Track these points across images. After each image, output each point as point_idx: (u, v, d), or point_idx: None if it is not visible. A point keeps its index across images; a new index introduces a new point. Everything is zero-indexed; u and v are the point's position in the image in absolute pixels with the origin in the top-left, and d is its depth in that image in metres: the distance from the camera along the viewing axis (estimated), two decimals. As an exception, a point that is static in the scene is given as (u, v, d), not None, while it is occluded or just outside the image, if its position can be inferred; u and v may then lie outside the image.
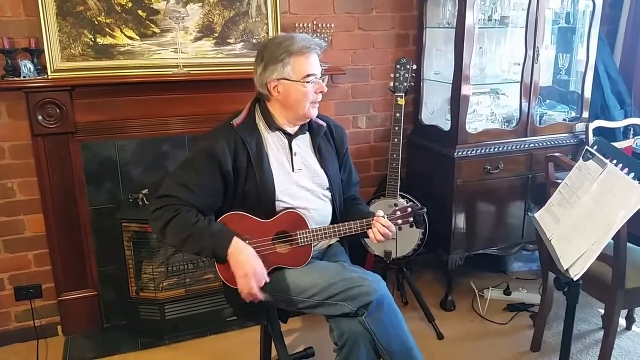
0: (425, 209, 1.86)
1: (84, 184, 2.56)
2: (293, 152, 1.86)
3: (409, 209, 1.84)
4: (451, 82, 2.79)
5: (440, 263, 2.99)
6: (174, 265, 2.75)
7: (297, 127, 1.88)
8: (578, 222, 1.62)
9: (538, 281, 3.00)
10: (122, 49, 2.49)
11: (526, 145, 2.94)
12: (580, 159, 1.75)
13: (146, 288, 2.67)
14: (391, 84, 2.71)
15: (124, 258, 2.59)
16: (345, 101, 3.08)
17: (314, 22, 2.76)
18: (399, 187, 2.73)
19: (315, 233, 1.81)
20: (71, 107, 2.44)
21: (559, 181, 1.91)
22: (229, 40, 2.67)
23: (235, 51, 2.68)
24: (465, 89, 2.74)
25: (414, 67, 2.70)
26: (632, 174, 1.49)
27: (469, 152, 2.79)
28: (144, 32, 2.51)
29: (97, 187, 2.59)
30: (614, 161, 1.59)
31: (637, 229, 2.09)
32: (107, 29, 2.45)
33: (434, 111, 3.12)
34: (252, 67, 1.83)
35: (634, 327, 2.75)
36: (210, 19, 2.61)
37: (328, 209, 1.92)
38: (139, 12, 2.48)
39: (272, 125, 1.84)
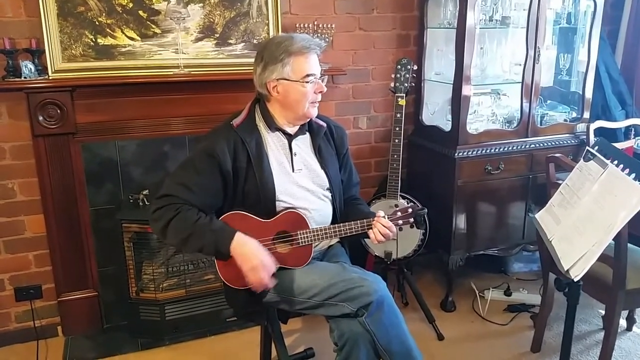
0: (426, 210, 1.86)
1: (84, 185, 2.57)
2: (293, 153, 1.86)
3: (410, 210, 1.83)
4: (452, 82, 2.79)
5: (441, 264, 2.99)
6: (174, 266, 2.75)
7: (297, 128, 1.88)
8: (579, 223, 1.61)
9: (539, 282, 3.01)
10: (123, 49, 2.49)
11: (527, 146, 2.93)
12: (581, 160, 1.75)
13: (146, 289, 2.67)
14: (392, 84, 2.71)
15: (124, 259, 2.59)
16: (346, 102, 3.07)
17: (315, 23, 2.77)
18: (399, 188, 2.73)
19: (315, 233, 1.81)
20: (72, 108, 2.44)
21: (560, 182, 1.91)
22: (230, 41, 2.67)
23: (236, 52, 2.68)
24: (466, 90, 2.74)
25: (415, 67, 2.70)
26: (633, 175, 1.49)
27: (469, 153, 2.78)
28: (144, 33, 2.51)
29: (97, 187, 2.59)
30: (615, 162, 1.58)
31: (638, 230, 2.08)
32: (108, 30, 2.45)
33: (435, 112, 3.12)
34: (253, 67, 1.82)
35: (634, 328, 2.75)
36: (211, 20, 2.61)
37: (328, 210, 1.92)
38: (140, 12, 2.48)
39: (272, 126, 1.84)
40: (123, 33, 2.47)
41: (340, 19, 2.91)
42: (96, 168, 2.57)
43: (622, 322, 2.73)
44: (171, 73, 2.54)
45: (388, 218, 1.80)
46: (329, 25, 2.77)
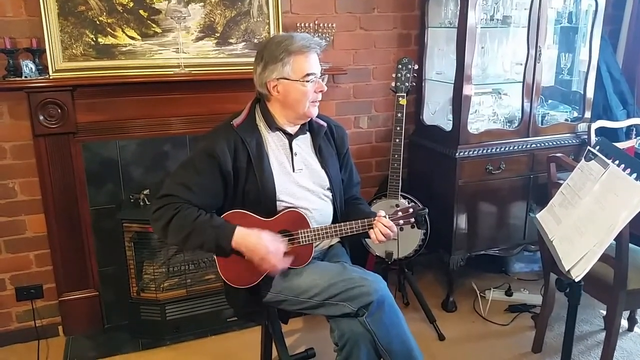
0: (427, 210, 1.85)
1: (85, 184, 2.57)
2: (293, 152, 1.86)
3: (411, 210, 1.83)
4: (453, 82, 2.78)
5: (442, 264, 2.99)
6: (175, 265, 2.75)
7: (297, 127, 1.88)
8: (580, 223, 1.61)
9: (540, 282, 3.00)
10: (124, 49, 2.49)
11: (528, 146, 2.93)
12: (583, 160, 1.74)
13: (147, 288, 2.67)
14: (393, 84, 2.70)
15: (125, 258, 2.59)
16: (347, 101, 3.07)
17: (316, 22, 2.76)
18: (400, 188, 2.73)
19: (316, 232, 1.80)
20: (72, 107, 2.44)
21: (561, 182, 1.90)
22: (231, 40, 2.66)
23: (236, 51, 2.68)
24: (467, 89, 2.73)
25: (416, 67, 2.69)
26: (635, 175, 1.49)
27: (470, 153, 2.78)
28: (145, 32, 2.51)
29: (98, 187, 2.59)
30: (616, 162, 1.58)
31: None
32: (108, 29, 2.45)
33: (436, 111, 3.12)
34: (253, 67, 1.82)
35: (636, 329, 2.74)
36: (212, 19, 2.61)
37: (329, 209, 1.92)
38: (141, 12, 2.48)
39: (273, 125, 1.84)
40: (124, 32, 2.47)
41: (341, 18, 2.90)
42: (97, 168, 2.57)
43: (624, 323, 2.72)
44: (172, 72, 2.54)
45: (389, 218, 1.80)
46: (329, 25, 2.77)
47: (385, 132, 3.18)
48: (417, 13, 3.08)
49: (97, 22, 2.42)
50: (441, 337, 2.68)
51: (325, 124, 1.95)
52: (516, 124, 2.95)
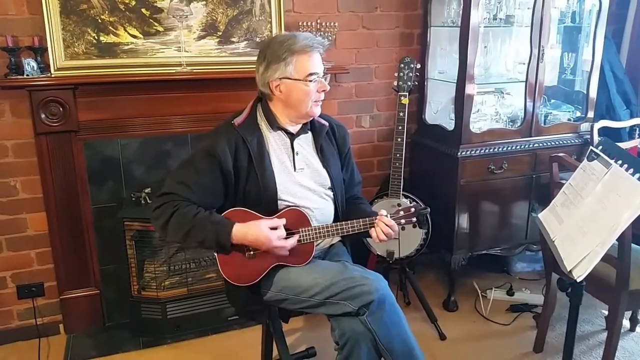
0: (429, 209, 1.85)
1: (86, 183, 2.57)
2: (295, 152, 1.85)
3: (412, 209, 1.83)
4: (455, 81, 2.78)
5: (443, 263, 2.98)
6: (176, 264, 2.75)
7: (299, 127, 1.87)
8: (582, 223, 1.60)
9: (541, 282, 3.00)
10: (126, 47, 2.49)
11: (530, 145, 2.92)
12: (585, 160, 1.74)
13: (148, 287, 2.67)
14: (395, 83, 2.70)
15: (126, 257, 2.59)
16: (349, 100, 3.07)
17: (318, 21, 2.76)
18: (402, 187, 2.72)
19: (317, 231, 1.80)
20: (74, 106, 2.44)
21: (563, 181, 1.90)
22: (233, 39, 2.66)
23: (238, 50, 2.68)
24: (470, 89, 2.73)
25: (418, 66, 2.69)
26: (637, 175, 1.48)
27: (472, 152, 2.77)
28: (147, 31, 2.51)
29: (99, 185, 2.59)
30: (619, 162, 1.57)
31: (642, 230, 2.07)
32: (110, 28, 2.45)
33: (438, 111, 3.11)
34: (255, 66, 1.82)
35: (637, 329, 2.73)
36: (214, 18, 2.60)
37: (330, 209, 1.92)
38: (143, 10, 2.48)
39: (274, 125, 1.83)
40: (126, 31, 2.47)
41: (344, 17, 2.90)
42: (98, 166, 2.57)
43: (626, 323, 2.71)
44: (174, 71, 2.53)
45: (390, 217, 1.80)
46: (332, 24, 2.76)
47: (387, 131, 3.18)
48: (420, 12, 3.07)
49: (99, 21, 2.42)
50: (442, 337, 2.68)
51: (327, 124, 1.95)
52: (519, 124, 2.94)
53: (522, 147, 2.90)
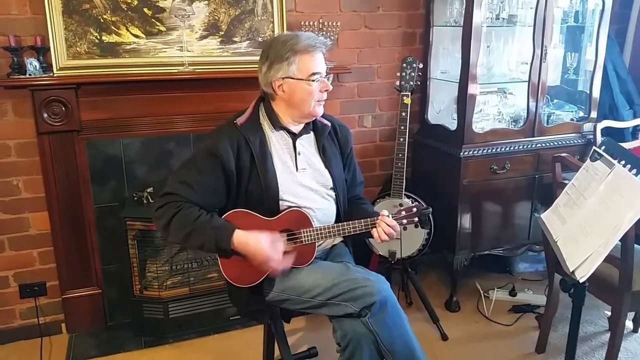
0: (431, 209, 1.84)
1: (88, 182, 2.57)
2: (297, 152, 1.85)
3: (414, 209, 1.82)
4: (458, 81, 2.77)
5: (446, 263, 2.97)
6: (178, 263, 2.75)
7: (301, 127, 1.87)
8: (585, 224, 1.60)
9: (544, 282, 2.98)
10: (128, 47, 2.49)
11: (533, 145, 2.91)
12: (588, 160, 1.73)
13: (150, 286, 2.67)
14: (397, 82, 2.69)
15: (128, 256, 2.59)
16: (351, 100, 3.06)
17: (320, 21, 2.75)
18: (404, 187, 2.72)
19: (319, 232, 1.80)
20: (76, 105, 2.44)
21: (566, 182, 1.89)
22: (235, 39, 2.66)
23: (240, 49, 2.68)
24: (472, 88, 2.72)
25: (421, 65, 2.68)
26: (641, 175, 1.48)
27: (475, 152, 2.77)
28: (149, 30, 2.51)
29: (102, 185, 2.59)
30: (622, 162, 1.57)
31: (645, 231, 2.06)
32: (112, 27, 2.45)
33: (440, 110, 3.10)
34: (258, 66, 1.82)
35: (641, 330, 2.73)
36: (216, 17, 2.60)
37: (332, 209, 1.91)
38: (145, 10, 2.48)
39: (277, 125, 1.83)
40: (128, 30, 2.47)
41: (346, 16, 2.89)
42: (100, 165, 2.57)
43: (629, 324, 2.70)
44: (176, 71, 2.53)
45: (392, 217, 1.79)
46: (334, 23, 2.76)
47: (389, 131, 3.17)
48: (422, 12, 3.07)
49: (102, 20, 2.42)
50: (444, 337, 2.68)
51: (329, 124, 1.94)
52: (521, 124, 2.93)
53: (525, 147, 2.89)
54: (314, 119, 1.87)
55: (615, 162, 1.58)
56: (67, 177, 2.51)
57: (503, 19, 2.89)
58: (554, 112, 3.14)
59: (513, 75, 3.00)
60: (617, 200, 1.52)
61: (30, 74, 2.30)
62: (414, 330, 1.78)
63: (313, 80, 1.76)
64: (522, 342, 2.65)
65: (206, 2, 2.56)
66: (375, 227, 1.79)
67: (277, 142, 1.84)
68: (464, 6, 2.69)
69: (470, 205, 2.83)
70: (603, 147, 1.69)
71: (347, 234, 1.82)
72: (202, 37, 2.60)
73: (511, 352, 2.58)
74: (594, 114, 3.09)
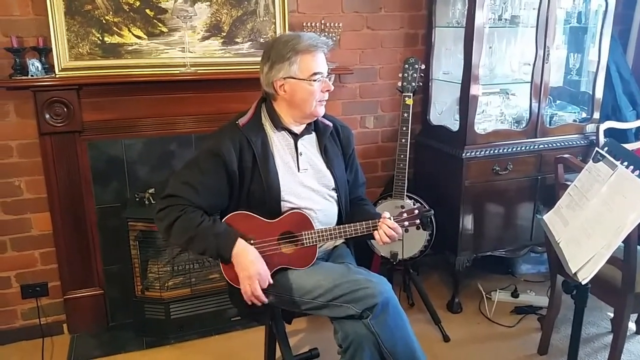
0: (432, 211, 1.84)
1: (90, 183, 2.57)
2: (299, 152, 1.85)
3: (416, 211, 1.82)
4: (460, 82, 2.77)
5: (448, 265, 2.97)
6: (179, 264, 2.75)
7: (303, 127, 1.87)
8: (587, 225, 1.59)
9: (546, 284, 2.97)
10: (130, 48, 2.49)
11: (536, 147, 2.90)
12: (591, 161, 1.73)
13: (152, 287, 2.67)
14: (399, 83, 2.69)
15: (129, 257, 2.59)
16: (353, 101, 3.06)
17: (322, 22, 2.75)
18: (406, 188, 2.71)
19: (320, 234, 1.80)
20: (78, 106, 2.45)
21: (569, 183, 1.89)
22: (237, 40, 2.66)
23: (242, 50, 2.68)
24: (475, 89, 2.71)
25: (423, 66, 2.67)
26: (644, 177, 1.47)
27: (477, 153, 2.76)
28: (151, 31, 2.51)
29: (103, 186, 2.60)
30: (625, 163, 1.56)
31: (648, 232, 2.05)
32: (114, 28, 2.45)
33: (443, 111, 3.10)
34: (259, 66, 1.81)
35: (644, 332, 2.72)
36: (218, 18, 2.60)
37: (334, 210, 1.91)
38: (147, 11, 2.48)
39: (278, 125, 1.83)
40: (130, 31, 2.47)
41: (348, 17, 2.89)
42: (102, 166, 2.57)
43: (631, 326, 2.69)
44: (178, 72, 2.53)
45: (394, 219, 1.79)
46: (336, 24, 2.75)
47: (391, 132, 3.17)
48: (425, 12, 3.06)
49: (104, 21, 2.42)
50: (446, 339, 2.67)
51: (331, 124, 1.94)
52: (524, 125, 2.93)
53: (527, 148, 2.88)
54: (315, 119, 1.87)
55: (617, 163, 1.58)
56: (69, 177, 2.51)
57: (505, 19, 2.89)
58: (556, 113, 3.13)
59: (515, 76, 2.99)
60: (620, 201, 1.51)
61: (32, 75, 2.30)
62: (415, 331, 1.77)
63: (314, 80, 1.76)
64: (525, 343, 2.64)
65: (208, 3, 2.56)
66: (377, 229, 1.78)
67: (279, 142, 1.84)
68: (466, 7, 2.68)
69: (473, 206, 2.82)
70: (606, 148, 1.69)
71: (348, 236, 1.82)
72: (204, 38, 2.60)
73: (513, 353, 2.58)
74: (596, 115, 3.08)
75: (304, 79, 1.75)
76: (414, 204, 2.70)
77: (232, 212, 1.80)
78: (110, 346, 2.61)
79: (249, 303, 1.75)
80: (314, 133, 1.91)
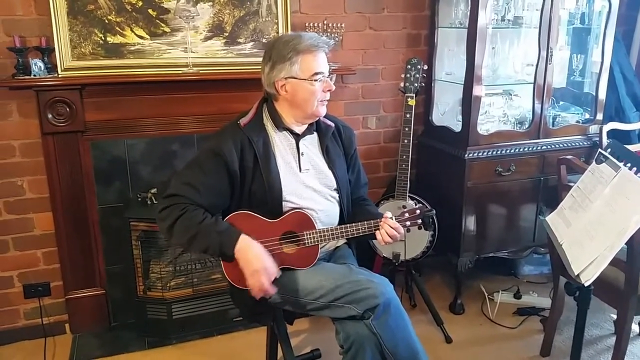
0: (434, 212, 1.83)
1: (93, 183, 2.57)
2: (300, 152, 1.85)
3: (418, 211, 1.81)
4: (463, 82, 2.76)
5: (450, 266, 2.96)
6: (181, 264, 2.75)
7: (304, 127, 1.87)
8: (590, 227, 1.58)
9: (549, 285, 2.97)
10: (132, 48, 2.49)
11: (538, 148, 2.90)
12: (594, 162, 1.72)
13: (154, 287, 2.67)
14: (402, 84, 2.68)
15: (132, 257, 2.60)
16: (355, 101, 3.06)
17: (325, 22, 2.75)
18: (408, 189, 2.71)
19: (322, 233, 1.79)
20: (81, 106, 2.45)
21: (572, 184, 1.88)
22: (239, 40, 2.66)
23: (245, 51, 2.68)
24: (477, 90, 2.71)
25: (425, 67, 2.67)
26: (647, 178, 1.46)
27: (480, 154, 2.75)
28: (154, 32, 2.51)
29: (106, 185, 2.60)
30: (628, 165, 1.56)
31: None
32: (117, 28, 2.45)
33: (445, 112, 3.09)
34: (261, 66, 1.81)
35: (647, 334, 2.71)
36: (221, 19, 2.60)
37: (335, 210, 1.91)
38: (150, 11, 2.48)
39: (280, 125, 1.83)
40: (132, 31, 2.48)
41: (350, 18, 2.89)
42: (105, 166, 2.58)
43: (635, 328, 2.68)
44: (180, 72, 2.54)
45: (395, 219, 1.79)
46: (338, 25, 2.75)
47: (393, 132, 3.17)
48: (427, 13, 3.06)
49: (106, 21, 2.42)
50: (448, 340, 2.66)
51: (332, 124, 1.94)
52: (527, 126, 2.92)
53: (530, 149, 2.87)
54: (317, 119, 1.87)
55: (621, 164, 1.57)
56: (71, 177, 2.51)
57: (508, 20, 2.88)
58: (559, 114, 3.12)
59: (518, 77, 2.98)
60: (623, 203, 1.50)
61: (35, 75, 2.31)
62: (417, 332, 1.77)
63: (316, 80, 1.76)
64: (527, 345, 2.64)
65: (210, 3, 2.56)
66: (379, 229, 1.78)
67: (280, 142, 1.84)
68: (469, 8, 2.68)
69: (475, 207, 2.82)
70: (609, 150, 1.68)
71: (349, 236, 1.82)
72: (207, 38, 2.60)
73: (516, 355, 2.57)
74: (599, 116, 3.07)
75: (305, 79, 1.75)
76: (416, 205, 2.69)
77: (233, 212, 1.79)
78: (112, 346, 2.61)
79: (258, 298, 1.73)
80: (315, 133, 1.91)
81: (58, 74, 2.37)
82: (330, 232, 1.79)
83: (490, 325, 2.82)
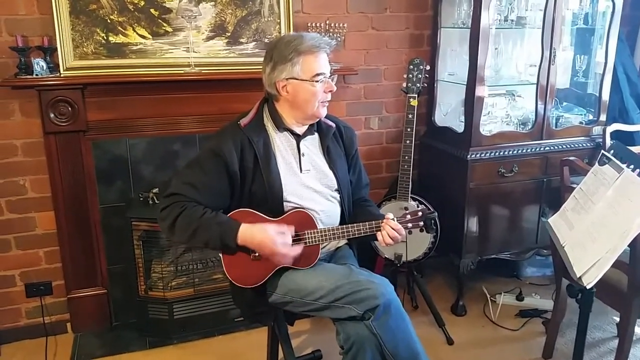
0: (436, 214, 1.82)
1: (95, 182, 2.58)
2: (301, 153, 1.84)
3: (419, 213, 1.81)
4: (465, 83, 2.75)
5: (452, 267, 2.95)
6: (183, 264, 2.75)
7: (305, 128, 1.86)
8: (592, 229, 1.58)
9: (551, 287, 2.96)
10: (134, 47, 2.49)
11: (541, 149, 2.88)
12: (597, 164, 1.71)
13: (155, 287, 2.67)
14: (404, 84, 2.68)
15: (133, 257, 2.59)
16: (358, 102, 3.05)
17: (327, 22, 2.75)
18: (410, 189, 2.70)
19: (323, 233, 1.79)
20: (83, 106, 2.45)
21: (574, 186, 1.87)
22: (241, 40, 2.66)
23: (247, 51, 2.67)
24: (480, 90, 2.70)
25: (428, 67, 2.66)
26: (650, 180, 1.45)
27: (482, 155, 2.74)
28: (156, 31, 2.51)
29: (107, 185, 2.60)
30: (631, 166, 1.55)
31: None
32: (119, 28, 2.45)
33: (448, 113, 3.08)
34: (262, 67, 1.81)
35: (650, 336, 2.69)
36: (223, 18, 2.60)
37: (336, 211, 1.90)
38: (152, 10, 2.48)
39: (280, 126, 1.82)
40: (134, 31, 2.48)
41: (353, 18, 2.88)
42: (107, 166, 2.58)
43: (638, 330, 2.66)
44: (182, 72, 2.54)
45: (397, 221, 1.78)
46: (341, 25, 2.75)
47: (395, 133, 3.16)
48: (430, 13, 3.05)
49: (108, 21, 2.43)
50: (450, 342, 2.65)
51: (333, 125, 1.94)
52: (530, 127, 2.91)
53: (533, 150, 2.86)
54: (317, 120, 1.86)
55: (624, 166, 1.56)
56: (73, 177, 2.51)
57: (511, 20, 2.87)
58: (562, 115, 3.11)
59: (521, 77, 2.97)
60: (626, 205, 1.49)
61: (37, 74, 2.31)
62: (419, 334, 1.76)
63: (317, 81, 1.75)
64: (529, 347, 2.63)
65: (213, 3, 2.56)
66: (380, 230, 1.77)
67: (281, 143, 1.83)
68: (472, 8, 2.67)
69: (477, 208, 2.81)
70: (612, 151, 1.67)
71: (351, 236, 1.81)
72: (209, 38, 2.60)
73: (518, 357, 2.56)
74: (603, 117, 3.05)
75: (306, 80, 1.74)
76: (418, 206, 2.69)
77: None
78: (113, 346, 2.61)
79: (292, 264, 1.77)
80: (316, 134, 1.90)
81: (60, 74, 2.37)
82: (331, 232, 1.79)
83: (492, 327, 2.81)
